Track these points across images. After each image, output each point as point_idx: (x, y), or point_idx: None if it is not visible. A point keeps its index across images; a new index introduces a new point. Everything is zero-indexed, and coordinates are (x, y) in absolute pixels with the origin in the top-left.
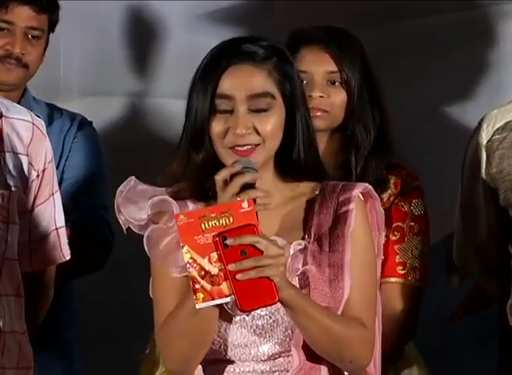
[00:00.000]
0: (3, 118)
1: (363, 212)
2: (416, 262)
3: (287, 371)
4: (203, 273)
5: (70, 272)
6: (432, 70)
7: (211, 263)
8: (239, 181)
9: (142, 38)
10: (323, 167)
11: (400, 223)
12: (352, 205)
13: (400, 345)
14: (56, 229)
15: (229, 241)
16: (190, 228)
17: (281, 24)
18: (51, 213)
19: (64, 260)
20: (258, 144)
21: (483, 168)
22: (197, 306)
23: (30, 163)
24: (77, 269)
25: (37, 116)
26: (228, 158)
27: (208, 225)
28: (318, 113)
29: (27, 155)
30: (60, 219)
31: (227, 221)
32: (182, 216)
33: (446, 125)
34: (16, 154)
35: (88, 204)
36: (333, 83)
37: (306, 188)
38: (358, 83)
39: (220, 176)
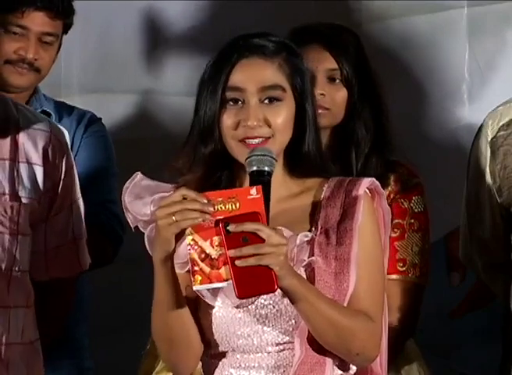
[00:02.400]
0: (20, 127)
1: (370, 208)
2: (416, 259)
3: (292, 367)
4: (203, 255)
5: None
6: (432, 69)
7: (213, 247)
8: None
9: (143, 35)
10: (328, 162)
11: (399, 220)
12: (360, 200)
13: (400, 342)
14: (74, 238)
15: (231, 227)
16: None
17: (282, 23)
18: (68, 222)
19: (82, 270)
20: (269, 138)
21: (487, 164)
22: (194, 288)
23: (45, 174)
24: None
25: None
26: (239, 150)
27: (214, 209)
28: (320, 111)
29: (43, 166)
30: (79, 229)
31: (233, 206)
32: None
33: (445, 123)
34: (30, 164)
35: (98, 199)
36: (334, 80)
37: (312, 183)
38: (358, 79)
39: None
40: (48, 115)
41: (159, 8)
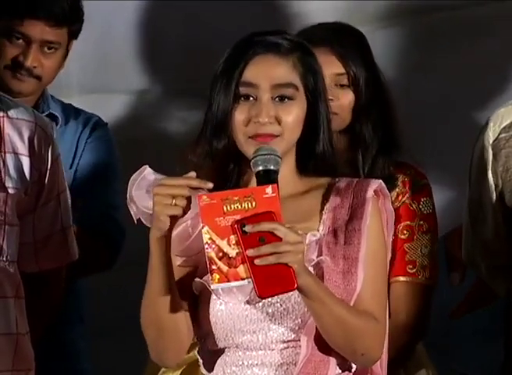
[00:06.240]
0: (5, 118)
1: (377, 208)
2: (425, 261)
3: (295, 365)
4: (221, 254)
5: (78, 271)
6: (433, 69)
7: (230, 245)
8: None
9: (142, 35)
10: (337, 163)
11: (408, 222)
12: (368, 201)
13: (410, 345)
14: (63, 228)
15: (247, 228)
16: (211, 209)
17: (284, 23)
18: (57, 213)
19: (72, 260)
20: (277, 136)
21: (490, 167)
22: (212, 287)
23: (31, 164)
24: (85, 269)
25: (45, 115)
26: (248, 147)
27: (230, 208)
28: None
29: (29, 156)
30: (67, 219)
31: (249, 205)
32: (204, 197)
33: (447, 124)
34: (16, 154)
35: (98, 203)
36: (341, 84)
37: (320, 182)
38: (365, 82)
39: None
40: (55, 118)
41: (158, 8)
